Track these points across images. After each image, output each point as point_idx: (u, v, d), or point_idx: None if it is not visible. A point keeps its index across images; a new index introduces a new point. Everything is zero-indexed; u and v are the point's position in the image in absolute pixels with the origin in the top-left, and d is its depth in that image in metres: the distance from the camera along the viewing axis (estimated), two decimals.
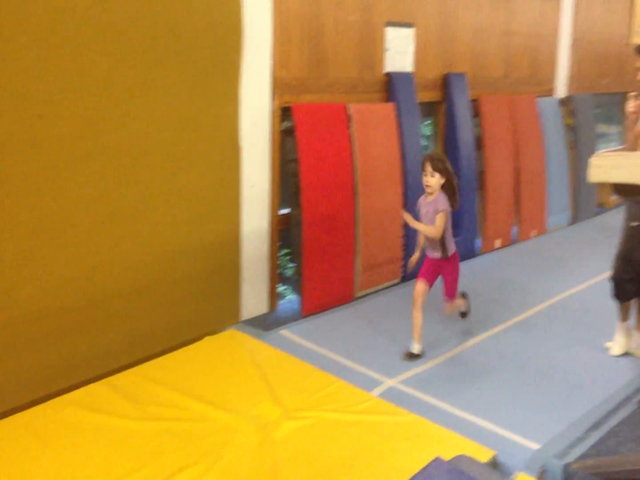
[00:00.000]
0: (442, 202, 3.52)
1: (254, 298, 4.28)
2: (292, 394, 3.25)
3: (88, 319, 3.34)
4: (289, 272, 4.78)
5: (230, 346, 3.84)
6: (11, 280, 3.04)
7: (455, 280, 3.72)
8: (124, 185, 3.42)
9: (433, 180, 3.50)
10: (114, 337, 3.46)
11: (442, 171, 3.50)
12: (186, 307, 3.83)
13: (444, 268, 3.67)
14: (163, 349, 3.64)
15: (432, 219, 3.54)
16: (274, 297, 4.48)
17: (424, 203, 3.62)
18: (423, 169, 3.53)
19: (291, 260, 4.77)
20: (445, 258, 3.63)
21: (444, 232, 3.54)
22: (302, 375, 3.48)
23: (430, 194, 3.56)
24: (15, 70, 2.92)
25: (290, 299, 4.72)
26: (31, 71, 2.98)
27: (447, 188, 3.55)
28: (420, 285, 3.65)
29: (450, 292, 3.73)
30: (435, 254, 3.64)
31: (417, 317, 3.66)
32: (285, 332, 4.11)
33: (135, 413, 3.04)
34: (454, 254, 3.66)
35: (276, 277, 4.49)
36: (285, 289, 4.72)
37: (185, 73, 3.61)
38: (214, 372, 3.49)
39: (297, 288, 4.57)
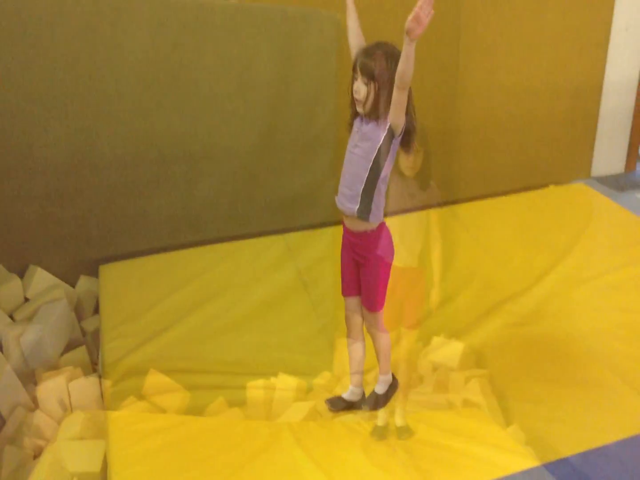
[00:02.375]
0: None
1: (609, 154, 3.92)
2: None
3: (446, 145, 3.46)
4: None
5: (577, 200, 3.59)
6: None
7: (379, 279, 1.98)
8: None
9: (363, 89, 1.81)
10: (459, 167, 3.54)
11: (378, 77, 1.78)
12: (535, 151, 3.69)
13: (361, 252, 1.97)
14: (505, 189, 3.61)
15: (368, 154, 1.84)
16: (634, 156, 4.03)
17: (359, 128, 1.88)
18: (353, 68, 1.85)
19: None
20: (363, 226, 1.92)
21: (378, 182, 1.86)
22: None
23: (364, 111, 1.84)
24: None
25: None
26: None
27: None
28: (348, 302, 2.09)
29: (371, 296, 2.01)
30: (348, 206, 1.89)
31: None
32: None
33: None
34: (381, 226, 1.94)
35: (639, 134, 4.04)
36: None
37: None
38: (555, 222, 3.33)
39: None
